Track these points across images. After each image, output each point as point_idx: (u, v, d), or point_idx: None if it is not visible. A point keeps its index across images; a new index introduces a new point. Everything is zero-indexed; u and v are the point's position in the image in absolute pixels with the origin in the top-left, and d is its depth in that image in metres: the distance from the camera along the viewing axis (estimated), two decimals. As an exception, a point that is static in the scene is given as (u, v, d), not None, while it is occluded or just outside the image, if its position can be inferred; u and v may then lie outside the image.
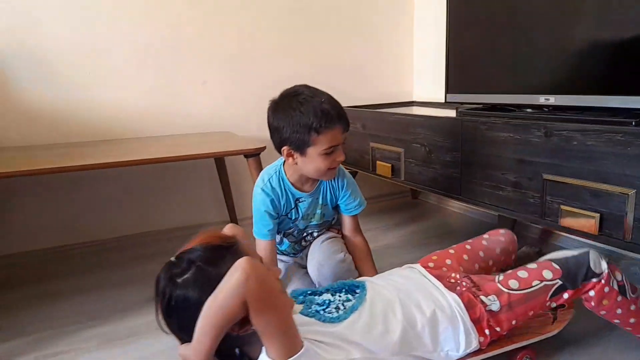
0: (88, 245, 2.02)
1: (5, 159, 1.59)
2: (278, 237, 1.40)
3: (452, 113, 1.87)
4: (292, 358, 0.79)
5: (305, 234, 1.41)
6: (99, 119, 1.97)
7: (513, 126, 1.38)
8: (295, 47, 2.30)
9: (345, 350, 0.90)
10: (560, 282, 1.05)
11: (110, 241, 2.06)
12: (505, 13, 1.60)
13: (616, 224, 1.15)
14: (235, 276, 0.74)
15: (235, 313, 0.75)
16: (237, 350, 0.86)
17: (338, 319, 0.94)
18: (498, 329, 1.04)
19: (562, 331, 1.17)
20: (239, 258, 0.77)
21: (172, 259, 0.84)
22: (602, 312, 1.08)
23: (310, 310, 0.97)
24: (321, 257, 1.34)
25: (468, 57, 1.78)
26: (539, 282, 1.05)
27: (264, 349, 0.81)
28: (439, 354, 1.01)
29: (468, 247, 1.29)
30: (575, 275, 1.05)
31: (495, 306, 1.03)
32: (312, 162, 1.19)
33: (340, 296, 1.03)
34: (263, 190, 1.28)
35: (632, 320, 1.09)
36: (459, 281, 1.10)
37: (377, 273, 1.38)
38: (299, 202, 1.33)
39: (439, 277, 1.10)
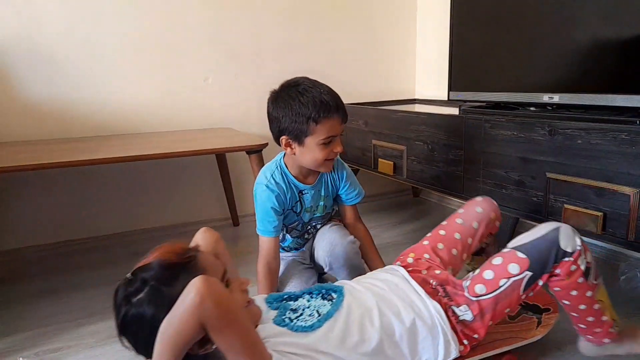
0: (90, 240, 2.02)
1: (8, 153, 1.58)
2: (280, 235, 1.40)
3: (455, 111, 1.86)
4: None
5: (308, 227, 1.41)
6: (101, 114, 1.96)
7: (517, 124, 1.37)
8: (296, 44, 2.29)
9: None
10: (529, 274, 0.97)
11: (112, 237, 2.06)
12: (510, 10, 1.59)
13: (620, 223, 1.15)
14: (189, 298, 0.70)
15: (192, 335, 0.72)
16: None
17: (311, 328, 0.90)
18: (476, 336, 1.01)
19: (547, 336, 1.14)
20: (195, 275, 0.73)
21: (128, 275, 0.80)
22: (556, 289, 1.01)
23: (283, 317, 0.94)
24: (332, 238, 1.35)
25: (471, 54, 1.77)
26: (505, 280, 0.97)
27: None
28: None
29: (442, 232, 1.23)
30: (545, 260, 0.97)
31: (468, 316, 0.99)
32: (310, 152, 1.20)
33: (316, 301, 0.99)
34: (267, 186, 1.27)
35: (582, 306, 1.02)
36: (437, 287, 1.06)
37: (382, 260, 1.41)
38: (303, 194, 1.33)
39: (422, 283, 1.05)
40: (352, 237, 1.37)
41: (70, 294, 1.57)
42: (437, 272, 1.12)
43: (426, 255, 1.18)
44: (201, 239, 1.03)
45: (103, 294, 1.57)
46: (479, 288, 0.99)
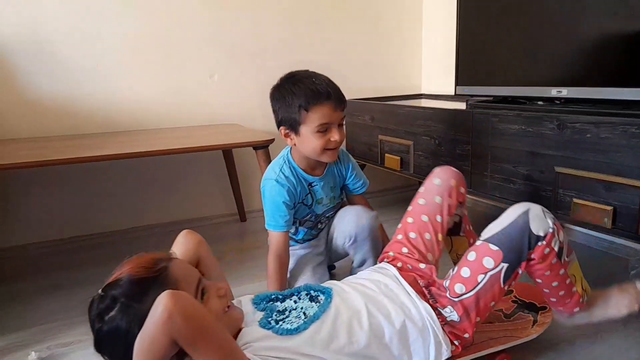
0: (95, 237, 2.03)
1: (13, 150, 1.59)
2: (293, 228, 1.41)
3: (462, 106, 1.85)
4: None
5: (321, 217, 1.42)
6: (106, 111, 1.97)
7: (525, 119, 1.37)
8: (302, 39, 2.28)
9: None
10: (505, 265, 0.95)
11: (118, 233, 2.06)
12: (517, 2, 1.57)
13: (630, 218, 1.14)
14: (157, 314, 0.69)
15: (165, 351, 0.71)
16: None
17: (296, 331, 0.88)
18: (466, 335, 1.00)
19: (542, 335, 1.13)
20: (166, 289, 0.72)
21: (100, 291, 0.80)
22: (530, 270, 1.01)
23: (269, 320, 0.92)
24: (357, 211, 1.36)
25: (478, 48, 1.76)
26: (483, 275, 0.96)
27: None
28: None
29: (410, 219, 1.19)
30: (519, 249, 0.95)
31: (454, 317, 0.98)
32: (307, 141, 1.22)
33: (303, 303, 0.98)
34: (278, 181, 1.28)
35: (554, 284, 1.02)
36: (424, 289, 1.04)
37: None
38: (312, 186, 1.34)
39: (412, 283, 1.04)
40: (375, 212, 1.38)
41: (76, 289, 1.58)
42: (422, 266, 1.10)
43: (404, 250, 1.15)
44: (182, 243, 1.02)
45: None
46: (459, 287, 0.98)
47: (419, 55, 2.62)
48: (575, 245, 1.79)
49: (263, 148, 1.74)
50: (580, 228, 1.73)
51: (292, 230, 1.42)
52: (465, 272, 0.98)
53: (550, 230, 0.96)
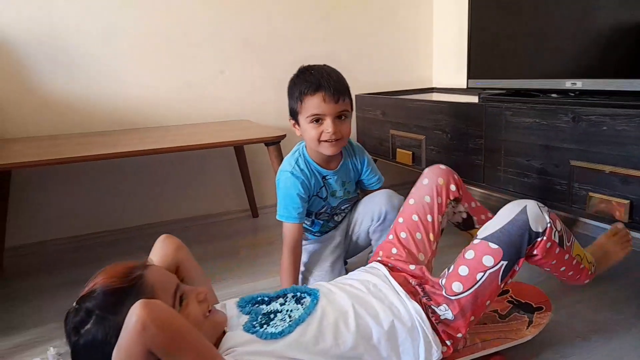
0: (111, 233, 2.05)
1: (29, 148, 1.61)
2: (309, 221, 1.41)
3: (474, 99, 1.84)
4: None
5: (337, 210, 1.42)
6: (118, 108, 1.98)
7: (539, 111, 1.35)
8: (313, 33, 2.28)
9: None
10: (504, 263, 0.95)
11: (132, 230, 2.08)
12: (531, -5, 1.55)
13: (647, 211, 1.12)
14: (130, 325, 0.68)
15: None
16: None
17: (281, 334, 0.86)
18: (459, 335, 0.98)
19: (538, 336, 1.11)
20: (140, 298, 0.71)
21: (74, 304, 0.79)
22: (536, 264, 1.03)
23: (253, 323, 0.90)
24: (388, 192, 1.38)
25: (490, 40, 1.74)
26: (482, 273, 0.95)
27: None
28: None
29: (400, 220, 1.19)
30: (518, 246, 0.95)
31: (449, 315, 0.97)
32: (305, 131, 1.26)
33: (289, 305, 0.96)
34: (292, 173, 1.29)
35: (562, 268, 1.05)
36: (416, 287, 1.03)
37: None
38: (326, 179, 1.35)
39: (403, 283, 1.03)
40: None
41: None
42: (412, 267, 1.08)
43: (394, 251, 1.14)
44: (160, 248, 1.01)
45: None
46: (456, 286, 0.97)
47: (429, 48, 2.59)
48: (589, 240, 1.78)
49: (275, 144, 1.74)
50: (597, 222, 1.71)
51: (308, 223, 1.43)
52: (463, 270, 0.97)
53: (548, 225, 0.97)
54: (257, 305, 0.97)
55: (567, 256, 1.03)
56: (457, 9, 2.34)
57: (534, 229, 0.95)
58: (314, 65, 1.28)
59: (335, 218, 1.44)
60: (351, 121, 1.30)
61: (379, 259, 1.15)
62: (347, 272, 1.44)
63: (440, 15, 2.51)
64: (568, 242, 1.03)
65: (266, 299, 0.99)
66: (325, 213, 1.41)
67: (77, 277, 1.65)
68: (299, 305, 0.95)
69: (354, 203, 1.46)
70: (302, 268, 1.42)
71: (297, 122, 1.29)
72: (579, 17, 1.39)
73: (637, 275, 1.47)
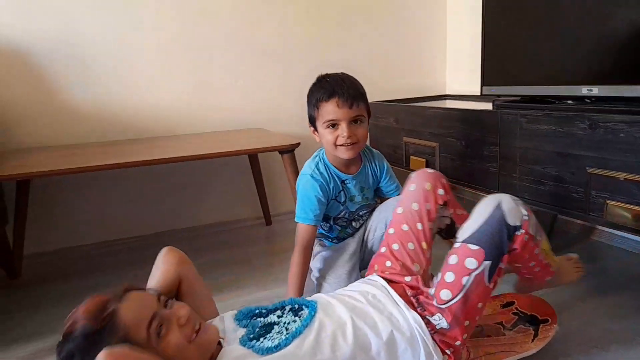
0: (127, 241, 2.07)
1: (48, 158, 1.64)
2: (327, 226, 1.42)
3: (488, 106, 1.83)
4: None
5: (355, 215, 1.43)
6: (134, 117, 2.01)
7: (555, 118, 1.34)
8: (327, 42, 2.29)
9: None
10: (488, 263, 0.93)
11: (148, 237, 2.11)
12: None
13: (667, 219, 1.11)
14: None
15: None
16: None
17: (277, 348, 0.85)
18: (458, 342, 0.97)
19: (554, 345, 1.09)
20: (114, 337, 0.73)
21: (59, 341, 0.80)
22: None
23: (250, 337, 0.89)
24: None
25: (505, 47, 1.73)
26: (467, 277, 0.94)
27: None
28: None
29: (391, 231, 1.17)
30: (499, 244, 0.94)
31: (444, 324, 0.96)
32: (323, 136, 1.30)
33: (286, 317, 0.95)
34: (312, 176, 1.32)
35: (532, 263, 1.04)
36: (412, 298, 1.02)
37: None
38: (345, 184, 1.37)
39: (402, 294, 1.02)
40: None
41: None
42: (408, 279, 1.07)
43: (388, 264, 1.13)
44: (162, 263, 1.00)
45: (142, 293, 1.61)
46: (445, 294, 0.96)
47: (443, 55, 2.59)
48: (609, 248, 1.75)
49: (289, 152, 1.75)
50: (614, 230, 1.69)
51: (326, 228, 1.43)
52: (449, 276, 0.96)
53: (525, 217, 0.96)
54: (254, 318, 0.96)
55: (537, 250, 1.03)
56: (471, 15, 2.33)
57: (511, 224, 0.95)
58: (331, 74, 1.31)
59: (353, 224, 1.45)
60: (368, 126, 1.32)
61: (374, 273, 1.13)
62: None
63: (454, 22, 2.51)
64: (540, 237, 1.02)
65: (264, 311, 0.98)
66: (344, 218, 1.41)
67: (94, 284, 1.69)
68: (297, 318, 0.94)
69: (372, 210, 1.46)
70: (316, 274, 1.42)
71: (315, 128, 1.33)
72: (593, 23, 1.38)
73: (657, 284, 1.44)
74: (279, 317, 0.95)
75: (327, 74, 1.32)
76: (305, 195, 1.32)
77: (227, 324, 0.95)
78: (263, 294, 1.53)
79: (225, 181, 2.23)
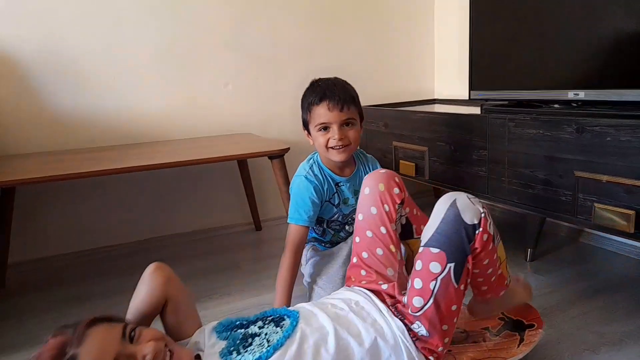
0: (117, 248, 2.05)
1: (35, 164, 1.62)
2: (320, 230, 1.43)
3: (476, 110, 1.84)
4: None
5: (349, 219, 1.43)
6: (122, 123, 1.99)
7: (543, 122, 1.35)
8: (314, 47, 2.29)
9: None
10: (452, 265, 0.92)
11: (136, 244, 2.08)
12: (531, 4, 1.56)
13: (654, 222, 1.12)
14: None
15: None
16: None
17: None
18: (440, 349, 0.96)
19: (546, 348, 1.10)
20: None
21: None
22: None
23: (231, 349, 0.88)
24: None
25: (492, 52, 1.75)
26: (434, 282, 0.93)
27: None
28: None
29: (357, 239, 1.15)
30: (459, 244, 0.92)
31: (423, 331, 0.95)
32: (315, 139, 1.32)
33: (267, 328, 0.93)
34: (307, 177, 1.33)
35: (489, 270, 0.99)
36: (391, 308, 1.01)
37: None
38: (339, 186, 1.38)
39: (384, 302, 1.01)
40: None
41: (98, 300, 1.59)
42: (385, 287, 1.05)
43: (363, 273, 1.11)
44: (147, 282, 0.98)
45: (128, 301, 1.59)
46: (417, 301, 0.95)
47: (431, 59, 2.61)
48: (598, 251, 1.77)
49: (278, 157, 1.74)
50: (602, 232, 1.70)
51: (319, 232, 1.43)
52: (417, 283, 0.95)
53: (482, 214, 0.94)
54: (235, 329, 0.94)
55: (495, 255, 0.99)
56: (457, 22, 2.35)
57: (468, 222, 0.92)
58: (324, 78, 1.34)
59: (347, 228, 1.45)
60: (359, 129, 1.33)
61: (352, 285, 1.12)
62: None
63: (441, 28, 2.53)
64: (497, 241, 1.00)
65: (244, 322, 0.96)
66: (337, 221, 1.42)
67: (81, 292, 1.66)
68: (278, 329, 0.92)
69: None
70: (309, 280, 1.42)
71: (308, 131, 1.35)
72: (580, 27, 1.40)
73: (645, 286, 1.46)
74: (260, 328, 0.93)
75: (320, 79, 1.34)
76: (299, 196, 1.33)
77: (206, 337, 0.93)
78: (252, 301, 1.52)
79: (214, 187, 2.22)
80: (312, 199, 1.32)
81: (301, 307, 1.01)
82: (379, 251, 1.11)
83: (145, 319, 0.95)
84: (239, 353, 0.87)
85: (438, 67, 2.60)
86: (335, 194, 1.38)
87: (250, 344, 0.89)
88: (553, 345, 1.18)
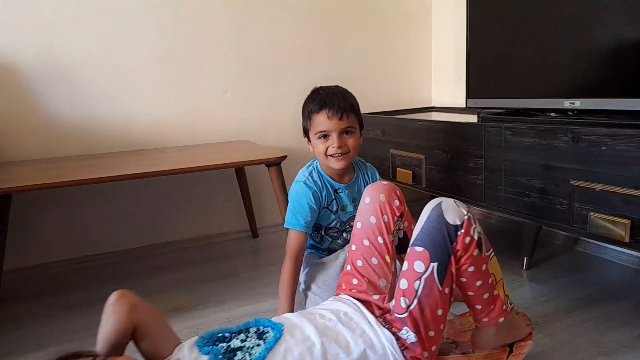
0: (112, 255, 2.04)
1: (30, 171, 1.62)
2: (318, 237, 1.43)
3: (473, 118, 1.85)
4: None
5: (347, 226, 1.43)
6: (119, 130, 1.99)
7: (539, 131, 1.36)
8: (312, 55, 2.30)
9: None
10: (435, 264, 0.92)
11: (133, 251, 2.07)
12: (528, 13, 1.57)
13: (649, 231, 1.12)
14: None
15: None
16: None
17: None
18: (425, 354, 0.95)
19: (543, 357, 1.09)
20: None
21: None
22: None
23: None
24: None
25: (489, 60, 1.75)
26: (418, 281, 0.93)
27: None
28: None
29: (354, 247, 1.15)
30: (442, 243, 0.93)
31: (411, 337, 0.94)
32: (315, 146, 1.33)
33: (250, 341, 0.92)
34: (306, 183, 1.34)
35: (478, 282, 0.97)
36: (379, 319, 1.01)
37: None
38: (338, 193, 1.39)
39: (372, 312, 1.01)
40: None
41: (92, 308, 1.57)
42: (375, 297, 1.05)
43: (354, 281, 1.11)
44: (112, 313, 0.94)
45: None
46: (403, 301, 0.95)
47: (428, 67, 2.62)
48: (594, 259, 1.77)
49: (275, 165, 1.74)
50: (598, 242, 1.70)
51: (317, 239, 1.43)
52: (403, 283, 0.96)
53: (466, 217, 0.95)
54: (217, 342, 0.93)
55: (484, 266, 0.98)
56: (455, 30, 2.37)
57: (451, 222, 0.93)
58: (325, 86, 1.35)
59: (344, 235, 1.45)
60: (359, 137, 1.34)
61: (342, 292, 1.12)
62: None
63: (438, 37, 2.54)
64: (487, 252, 0.99)
65: (227, 335, 0.95)
66: (335, 228, 1.42)
67: (77, 300, 1.65)
68: (261, 341, 0.91)
69: None
70: (304, 287, 1.41)
71: (308, 139, 1.36)
72: (576, 37, 1.41)
73: (641, 295, 1.46)
74: (242, 341, 0.92)
75: (321, 87, 1.35)
76: (297, 202, 1.34)
77: (187, 353, 0.91)
78: (248, 309, 1.52)
79: (212, 194, 2.21)
80: (310, 204, 1.32)
81: (286, 318, 1.00)
82: (374, 260, 1.11)
83: (115, 350, 0.93)
84: None
85: (435, 75, 2.61)
86: (334, 201, 1.38)
87: (232, 358, 0.88)
88: (549, 354, 1.17)
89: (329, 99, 1.28)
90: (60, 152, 1.91)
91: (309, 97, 1.35)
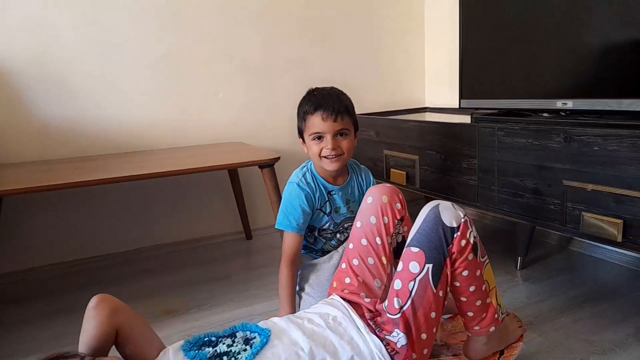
0: (104, 258, 2.02)
1: (21, 174, 1.60)
2: (312, 238, 1.42)
3: (466, 119, 1.85)
4: None
5: (340, 228, 1.43)
6: (112, 132, 1.98)
7: (531, 132, 1.36)
8: (305, 56, 2.30)
9: None
10: (430, 266, 0.93)
11: (124, 254, 2.06)
12: (520, 14, 1.58)
13: (641, 231, 1.12)
14: None
15: None
16: None
17: None
18: (415, 355, 0.95)
19: (535, 357, 1.10)
20: None
21: None
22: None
23: None
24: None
25: (482, 61, 1.76)
26: (412, 282, 0.93)
27: None
28: None
29: (351, 245, 1.14)
30: (438, 244, 0.93)
31: (402, 340, 0.93)
32: (309, 147, 1.32)
33: (236, 347, 0.91)
34: (299, 185, 1.33)
35: (472, 288, 0.97)
36: (369, 322, 0.99)
37: None
38: (332, 195, 1.38)
39: (362, 316, 1.00)
40: None
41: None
42: (367, 300, 1.04)
43: (347, 280, 1.10)
44: (93, 317, 0.93)
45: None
46: (396, 302, 0.95)
47: (422, 68, 2.62)
48: (588, 259, 1.78)
49: (268, 167, 1.74)
50: (591, 241, 1.71)
51: (311, 240, 1.43)
52: (397, 284, 0.95)
53: (463, 220, 0.95)
54: (203, 347, 0.92)
55: (479, 272, 0.98)
56: (448, 31, 2.37)
57: (447, 224, 0.94)
58: (320, 88, 1.34)
59: (338, 236, 1.45)
60: (353, 139, 1.33)
61: (333, 292, 1.11)
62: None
63: (431, 37, 2.55)
64: (482, 258, 0.99)
65: (213, 339, 0.94)
66: (329, 230, 1.41)
67: (68, 303, 1.64)
68: (247, 347, 0.90)
69: None
70: (298, 288, 1.41)
71: (303, 140, 1.36)
72: (568, 38, 1.42)
73: (635, 295, 1.47)
74: (228, 346, 0.91)
75: (316, 88, 1.34)
76: (289, 203, 1.33)
77: (172, 358, 0.90)
78: (243, 311, 1.51)
79: (205, 196, 2.20)
80: (302, 206, 1.32)
81: (273, 323, 1.00)
82: (371, 260, 1.10)
83: (97, 354, 0.91)
84: None
85: (429, 76, 2.62)
86: (327, 202, 1.38)
87: None
88: (542, 353, 1.18)
89: (324, 101, 1.28)
90: (51, 155, 1.89)
91: (304, 98, 1.34)
